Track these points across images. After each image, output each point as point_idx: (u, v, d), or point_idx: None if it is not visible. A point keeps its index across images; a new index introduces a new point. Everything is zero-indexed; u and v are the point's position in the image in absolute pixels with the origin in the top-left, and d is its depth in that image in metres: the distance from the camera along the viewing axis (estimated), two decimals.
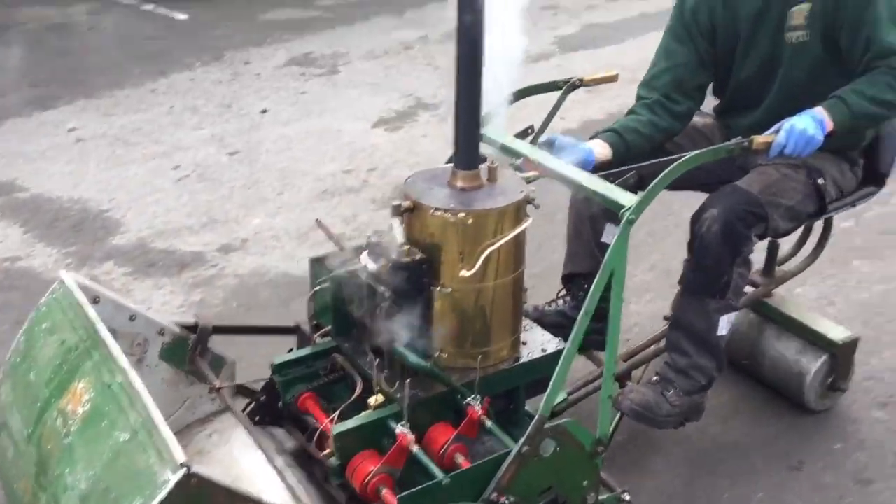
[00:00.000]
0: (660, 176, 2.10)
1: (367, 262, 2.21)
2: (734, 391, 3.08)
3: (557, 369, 2.04)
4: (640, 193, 2.10)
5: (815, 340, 2.87)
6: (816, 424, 2.94)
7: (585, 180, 2.22)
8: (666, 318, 3.12)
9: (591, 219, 2.81)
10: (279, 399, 2.42)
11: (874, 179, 2.80)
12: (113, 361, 1.88)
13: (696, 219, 2.49)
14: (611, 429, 2.17)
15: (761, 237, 2.55)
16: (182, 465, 1.56)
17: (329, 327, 2.43)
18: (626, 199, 2.11)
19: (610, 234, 2.83)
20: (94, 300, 2.19)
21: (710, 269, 2.45)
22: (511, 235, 2.14)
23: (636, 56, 5.08)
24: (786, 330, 2.94)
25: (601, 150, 2.57)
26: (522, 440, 2.00)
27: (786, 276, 3.03)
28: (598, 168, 2.50)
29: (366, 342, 2.28)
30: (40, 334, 2.13)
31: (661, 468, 2.77)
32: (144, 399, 1.74)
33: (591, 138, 2.66)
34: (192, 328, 2.45)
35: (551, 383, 2.03)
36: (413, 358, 2.09)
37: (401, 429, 2.06)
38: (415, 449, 2.03)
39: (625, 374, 2.75)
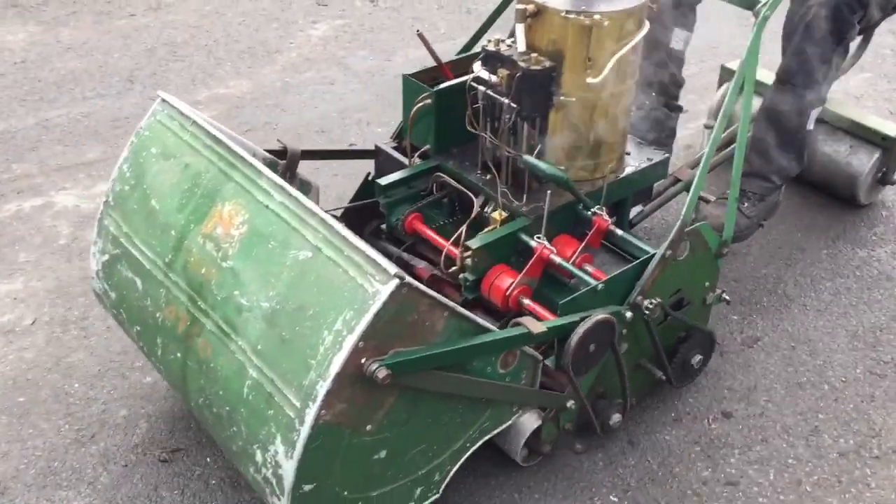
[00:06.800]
0: None
1: (482, 73, 2.12)
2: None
3: (698, 174, 2.04)
4: None
5: (867, 137, 2.89)
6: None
7: None
8: (708, 127, 3.12)
9: (660, 27, 2.74)
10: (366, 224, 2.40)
11: None
12: (265, 182, 1.76)
13: (797, 7, 2.45)
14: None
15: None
16: (395, 276, 1.50)
17: (426, 147, 2.35)
18: None
19: (679, 40, 2.76)
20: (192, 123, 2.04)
21: (813, 59, 2.44)
22: (639, 38, 2.08)
23: None
24: (835, 129, 2.94)
25: None
26: (666, 244, 2.01)
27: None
28: None
29: (479, 157, 2.22)
30: (151, 159, 1.97)
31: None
32: (321, 215, 1.66)
33: None
34: (279, 153, 2.33)
35: (693, 187, 2.03)
36: (548, 169, 2.04)
37: (537, 241, 2.05)
38: (558, 260, 2.03)
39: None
